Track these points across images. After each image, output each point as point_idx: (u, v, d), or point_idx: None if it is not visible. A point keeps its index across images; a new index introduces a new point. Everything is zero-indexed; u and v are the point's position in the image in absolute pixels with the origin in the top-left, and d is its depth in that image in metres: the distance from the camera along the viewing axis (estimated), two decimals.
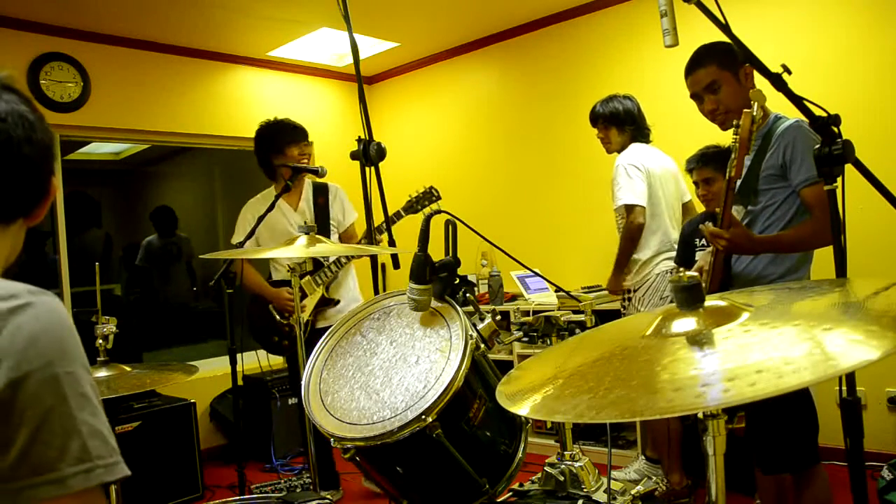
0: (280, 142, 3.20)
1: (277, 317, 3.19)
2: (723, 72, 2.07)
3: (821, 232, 1.87)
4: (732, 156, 1.88)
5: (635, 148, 3.21)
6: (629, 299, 3.25)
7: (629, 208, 3.10)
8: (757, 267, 2.07)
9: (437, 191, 3.07)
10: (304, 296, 3.18)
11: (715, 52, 2.08)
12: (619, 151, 3.24)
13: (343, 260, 3.18)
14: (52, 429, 0.65)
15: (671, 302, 3.11)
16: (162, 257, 4.97)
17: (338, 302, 3.23)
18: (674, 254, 3.15)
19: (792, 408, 2.00)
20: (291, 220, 3.24)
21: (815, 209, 1.93)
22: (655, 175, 3.14)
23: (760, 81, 1.60)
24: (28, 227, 0.86)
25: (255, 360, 4.00)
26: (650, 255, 3.16)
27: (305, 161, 3.20)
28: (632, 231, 3.13)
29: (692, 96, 2.18)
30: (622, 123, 3.23)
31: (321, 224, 3.26)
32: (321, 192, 3.33)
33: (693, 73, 2.14)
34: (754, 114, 1.82)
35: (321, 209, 3.29)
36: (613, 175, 3.16)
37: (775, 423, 2.00)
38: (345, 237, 3.33)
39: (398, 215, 3.07)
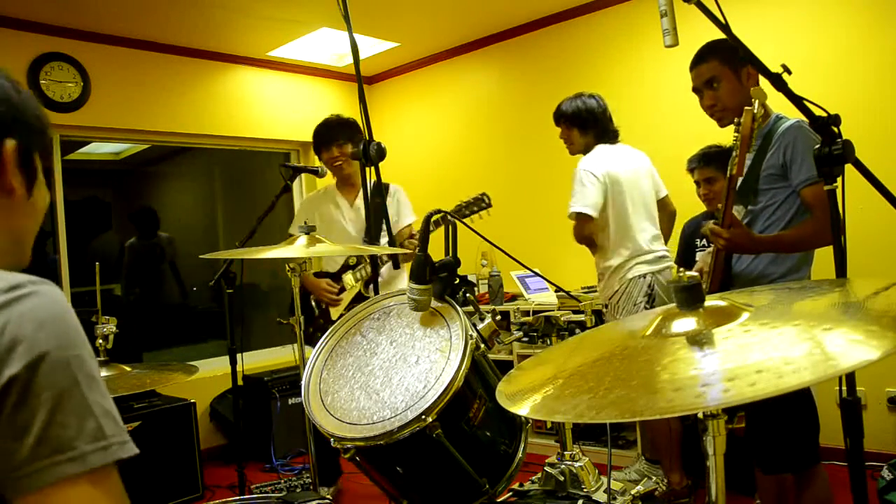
0: (316, 148, 3.27)
1: (315, 308, 3.25)
2: (724, 68, 2.08)
3: (821, 232, 1.86)
4: (734, 153, 1.88)
5: (598, 151, 3.11)
6: (606, 306, 3.19)
7: (578, 217, 3.03)
8: (758, 267, 2.07)
9: (488, 197, 2.99)
10: (342, 290, 3.22)
11: (719, 48, 2.09)
12: (584, 153, 3.15)
13: (385, 258, 3.17)
14: (67, 410, 0.67)
15: (645, 307, 3.13)
16: (146, 259, 4.96)
17: None
18: (648, 257, 3.06)
19: (793, 408, 2.00)
20: (347, 216, 3.27)
21: (815, 209, 1.93)
22: (619, 179, 3.03)
23: (762, 81, 1.60)
24: None
25: (258, 360, 4.01)
26: (620, 261, 3.06)
27: (339, 163, 3.20)
28: (579, 240, 3.09)
29: (693, 90, 2.18)
30: (585, 124, 3.12)
31: (369, 224, 3.26)
32: (379, 192, 3.32)
33: (696, 66, 2.15)
34: (755, 112, 1.82)
35: (376, 208, 3.28)
36: (574, 179, 3.08)
37: (776, 422, 2.00)
38: (398, 238, 3.29)
39: (444, 219, 3.06)
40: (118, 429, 0.70)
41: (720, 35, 1.42)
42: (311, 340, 3.33)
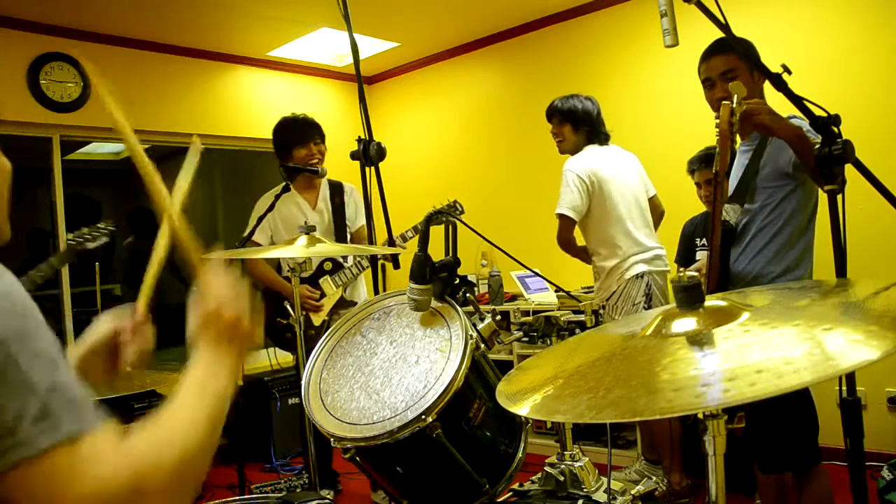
0: (287, 143, 3.15)
1: (293, 313, 3.22)
2: (741, 63, 2.03)
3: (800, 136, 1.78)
4: (717, 149, 1.85)
5: (587, 152, 3.12)
6: (603, 307, 3.17)
7: (560, 218, 3.05)
8: (755, 266, 2.06)
9: (460, 205, 3.03)
10: (322, 295, 3.19)
11: (738, 43, 2.06)
12: (573, 152, 3.16)
13: (365, 263, 3.16)
14: (5, 391, 0.62)
15: (644, 307, 3.09)
16: (144, 259, 4.96)
17: (355, 304, 3.22)
18: (645, 255, 3.06)
19: (791, 407, 2.00)
20: (310, 218, 3.21)
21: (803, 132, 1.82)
22: (606, 178, 3.04)
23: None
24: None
25: (258, 360, 3.99)
26: (617, 261, 3.06)
27: (315, 161, 3.15)
28: (561, 242, 3.12)
29: (704, 80, 2.13)
30: (578, 123, 3.13)
31: (338, 224, 3.23)
32: (337, 192, 3.29)
33: (711, 58, 2.09)
34: (734, 106, 1.79)
35: (338, 209, 3.25)
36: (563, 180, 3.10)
37: (775, 421, 1.99)
38: (356, 237, 3.29)
39: (416, 230, 3.06)
40: (70, 404, 0.66)
41: (720, 35, 1.42)
42: (289, 345, 3.30)
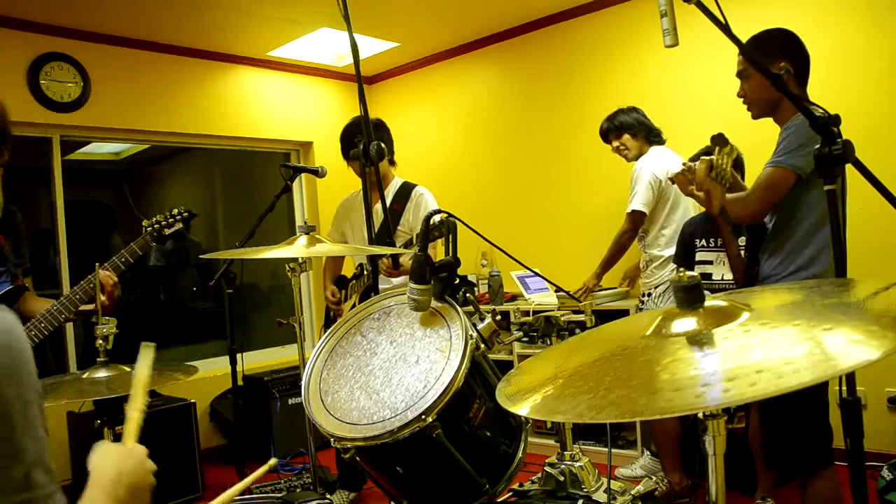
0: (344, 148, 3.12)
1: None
2: (750, 64, 2.09)
3: (749, 210, 2.02)
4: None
5: (655, 152, 3.34)
6: (649, 294, 3.30)
7: (635, 215, 3.25)
8: (770, 266, 2.08)
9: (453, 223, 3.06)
10: (346, 298, 3.23)
11: (752, 43, 2.14)
12: (638, 158, 3.37)
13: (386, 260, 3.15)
14: None
15: None
16: (172, 260, 5.01)
17: None
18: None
19: (803, 409, 1.98)
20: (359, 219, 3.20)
21: (758, 188, 2.00)
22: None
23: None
24: None
25: (258, 360, 4.01)
26: (670, 254, 3.23)
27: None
28: (625, 240, 3.34)
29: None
30: (634, 129, 3.41)
31: (387, 228, 3.21)
32: (401, 196, 3.21)
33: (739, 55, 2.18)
34: (713, 159, 1.90)
35: (394, 213, 3.20)
36: (635, 177, 3.29)
37: (787, 423, 1.99)
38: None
39: (410, 243, 3.05)
40: (48, 478, 0.64)
41: (720, 35, 1.41)
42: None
